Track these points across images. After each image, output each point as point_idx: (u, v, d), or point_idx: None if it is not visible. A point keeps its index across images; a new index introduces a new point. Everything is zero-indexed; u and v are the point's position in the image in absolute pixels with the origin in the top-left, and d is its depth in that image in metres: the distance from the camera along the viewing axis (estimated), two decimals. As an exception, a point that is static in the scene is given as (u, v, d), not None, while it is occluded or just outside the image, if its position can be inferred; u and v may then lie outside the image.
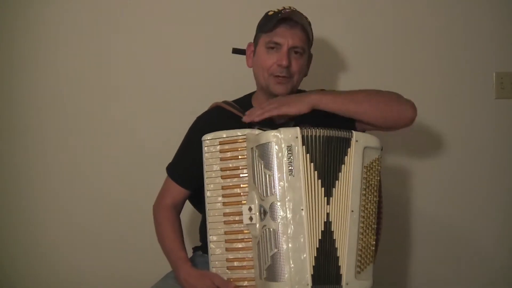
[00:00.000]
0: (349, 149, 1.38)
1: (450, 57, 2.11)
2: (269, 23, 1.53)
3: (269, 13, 1.57)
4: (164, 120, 2.02)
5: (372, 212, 1.40)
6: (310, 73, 1.64)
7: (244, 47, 1.65)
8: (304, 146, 1.35)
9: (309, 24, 1.59)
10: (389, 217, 2.00)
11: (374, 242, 1.40)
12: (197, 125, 1.63)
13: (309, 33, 1.56)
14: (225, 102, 1.63)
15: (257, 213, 1.36)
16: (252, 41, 1.62)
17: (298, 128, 1.36)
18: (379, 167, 1.42)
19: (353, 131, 1.40)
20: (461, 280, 2.12)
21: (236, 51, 1.67)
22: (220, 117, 1.59)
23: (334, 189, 1.36)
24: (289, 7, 1.57)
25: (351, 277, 1.34)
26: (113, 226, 2.02)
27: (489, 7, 2.10)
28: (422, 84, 2.10)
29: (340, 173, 1.37)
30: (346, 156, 1.38)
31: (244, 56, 1.65)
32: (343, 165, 1.37)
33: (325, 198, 1.35)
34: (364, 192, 1.38)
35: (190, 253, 1.68)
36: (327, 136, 1.37)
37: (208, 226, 1.44)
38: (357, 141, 1.38)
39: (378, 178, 1.42)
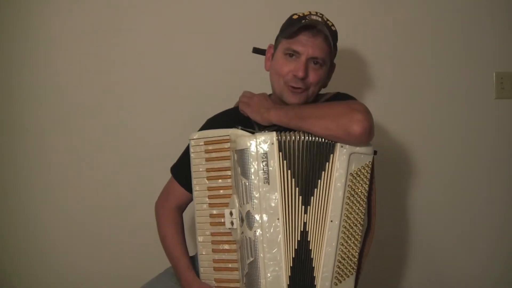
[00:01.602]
0: (332, 155, 1.32)
1: (450, 57, 2.09)
2: (291, 28, 1.43)
3: (293, 17, 1.48)
4: (165, 120, 2.02)
5: (357, 222, 1.34)
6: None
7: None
8: (280, 153, 1.31)
9: (335, 33, 1.48)
10: (387, 218, 2.01)
11: (357, 253, 1.35)
12: (205, 126, 1.58)
13: (332, 43, 1.44)
14: None
15: (237, 218, 1.34)
16: (273, 43, 1.54)
17: (274, 133, 1.32)
18: (369, 174, 1.35)
19: None
20: (460, 282, 2.12)
21: (256, 50, 1.57)
22: (232, 118, 1.53)
23: (312, 197, 1.32)
24: (316, 12, 1.47)
25: None
26: (113, 226, 2.03)
27: (489, 7, 2.08)
28: (422, 84, 2.09)
29: (319, 181, 1.32)
30: (327, 163, 1.32)
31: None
32: (323, 172, 1.32)
33: (302, 207, 1.32)
34: (347, 201, 1.33)
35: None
36: (308, 141, 1.32)
37: (196, 226, 1.44)
38: (342, 146, 1.32)
39: (367, 185, 1.35)
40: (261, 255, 1.30)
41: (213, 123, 1.55)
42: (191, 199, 1.58)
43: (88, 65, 2.00)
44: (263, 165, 1.30)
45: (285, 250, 1.30)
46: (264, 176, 1.30)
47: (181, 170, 1.57)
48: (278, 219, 1.30)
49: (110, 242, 2.03)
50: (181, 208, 1.60)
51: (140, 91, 2.02)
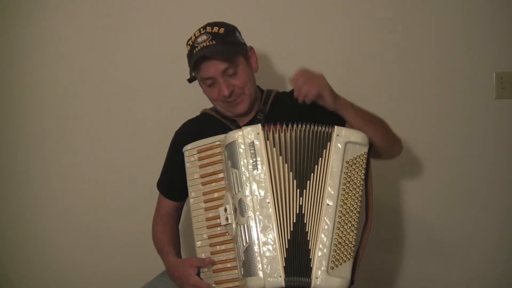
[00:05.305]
0: (329, 143, 1.38)
1: (450, 57, 2.10)
2: (190, 64, 1.52)
3: (187, 48, 1.54)
4: (166, 121, 2.01)
5: (353, 208, 1.37)
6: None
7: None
8: (268, 141, 1.37)
9: (225, 34, 1.51)
10: (386, 218, 2.02)
11: (354, 239, 1.37)
12: (175, 139, 1.67)
13: (229, 49, 1.50)
14: (212, 109, 1.66)
15: (232, 212, 1.38)
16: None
17: (259, 125, 1.39)
18: (364, 163, 1.40)
19: (335, 126, 1.39)
20: (460, 283, 2.12)
21: (191, 80, 1.61)
22: (202, 125, 1.63)
23: (308, 181, 1.36)
24: (200, 30, 1.52)
25: (322, 272, 1.32)
26: (112, 226, 2.04)
27: (489, 7, 2.09)
28: (422, 84, 2.09)
29: (316, 166, 1.37)
30: (325, 150, 1.38)
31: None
32: (320, 158, 1.37)
33: (298, 190, 1.36)
34: (343, 187, 1.37)
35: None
36: (301, 130, 1.38)
37: (194, 232, 1.47)
38: (338, 135, 1.38)
39: (363, 174, 1.39)
40: (255, 239, 1.33)
41: (183, 133, 1.65)
42: (179, 208, 1.69)
43: (88, 66, 2.02)
44: (251, 153, 1.36)
45: (278, 232, 1.33)
46: (253, 163, 1.36)
47: (164, 183, 1.69)
48: (268, 203, 1.34)
49: (109, 242, 2.05)
50: (173, 216, 1.68)
51: (140, 92, 2.03)
